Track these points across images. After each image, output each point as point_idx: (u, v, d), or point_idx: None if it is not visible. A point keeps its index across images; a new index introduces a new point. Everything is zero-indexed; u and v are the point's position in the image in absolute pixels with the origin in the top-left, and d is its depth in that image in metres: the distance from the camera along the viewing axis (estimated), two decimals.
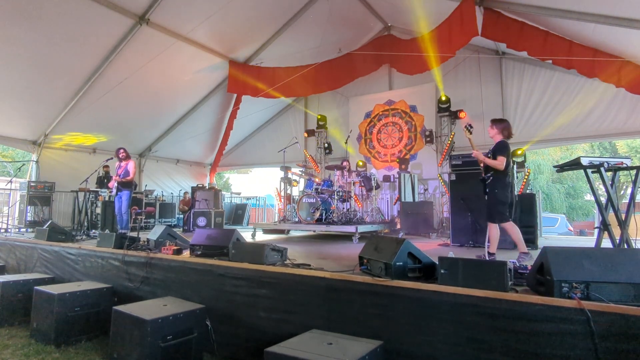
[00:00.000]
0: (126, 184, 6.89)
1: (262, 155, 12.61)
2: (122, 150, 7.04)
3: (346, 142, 9.36)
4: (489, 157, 4.11)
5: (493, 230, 4.11)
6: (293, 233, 8.37)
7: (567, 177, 20.70)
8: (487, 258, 3.89)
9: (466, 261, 2.68)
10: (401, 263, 2.86)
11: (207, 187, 10.53)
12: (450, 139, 8.87)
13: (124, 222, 6.88)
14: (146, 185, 11.23)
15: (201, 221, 8.77)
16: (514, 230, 4.07)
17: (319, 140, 11.28)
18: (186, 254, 4.24)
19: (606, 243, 3.73)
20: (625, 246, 3.48)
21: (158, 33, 7.54)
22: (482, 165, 4.24)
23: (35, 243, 5.67)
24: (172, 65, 8.59)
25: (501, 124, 4.23)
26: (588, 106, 7.80)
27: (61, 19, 6.53)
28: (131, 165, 6.95)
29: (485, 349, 2.44)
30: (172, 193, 12.04)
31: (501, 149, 4.05)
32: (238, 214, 12.57)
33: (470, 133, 4.38)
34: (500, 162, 3.98)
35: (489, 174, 4.10)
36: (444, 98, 9.03)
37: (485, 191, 4.15)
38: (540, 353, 2.28)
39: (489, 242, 4.16)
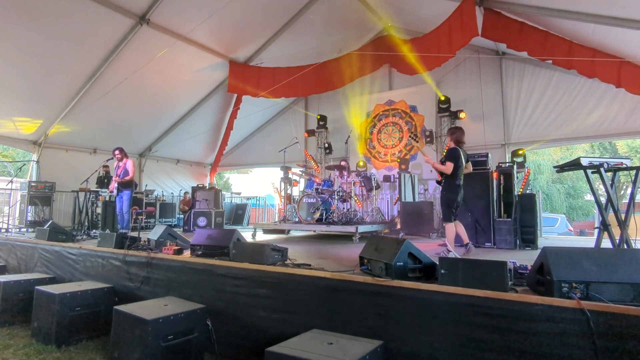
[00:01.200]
0: (126, 184, 6.86)
1: (263, 155, 12.63)
2: (117, 151, 6.97)
3: (346, 142, 9.36)
4: (442, 163, 4.51)
5: (449, 229, 4.49)
6: (293, 233, 8.38)
7: (567, 177, 20.70)
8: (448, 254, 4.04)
9: (466, 261, 2.69)
10: (402, 263, 2.87)
11: (207, 187, 10.54)
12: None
13: (125, 222, 6.86)
14: (146, 185, 11.24)
15: (201, 221, 8.78)
16: (450, 231, 4.49)
17: (319, 140, 11.28)
18: (187, 254, 4.25)
19: (606, 243, 3.74)
20: (625, 246, 3.49)
21: (158, 33, 7.56)
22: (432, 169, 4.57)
23: (36, 243, 5.68)
24: (173, 65, 8.60)
25: (453, 133, 4.70)
26: (588, 106, 7.81)
27: (62, 19, 6.55)
28: (129, 165, 6.89)
29: (485, 349, 2.45)
30: (172, 193, 12.05)
31: (449, 156, 4.47)
32: (238, 214, 12.58)
33: (417, 142, 4.95)
34: (447, 168, 4.42)
35: (442, 178, 4.52)
36: (442, 98, 9.05)
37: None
38: (540, 353, 2.29)
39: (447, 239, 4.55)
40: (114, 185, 6.85)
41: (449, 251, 4.15)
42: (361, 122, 10.76)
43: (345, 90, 10.61)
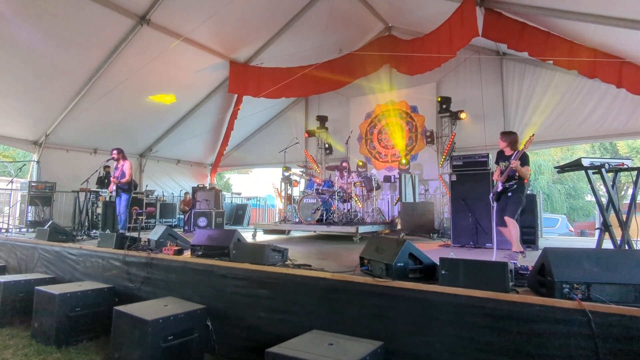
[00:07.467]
0: (123, 186, 6.82)
1: (263, 155, 12.62)
2: (115, 151, 6.93)
3: (347, 143, 9.37)
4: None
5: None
6: (294, 233, 8.37)
7: (567, 178, 20.67)
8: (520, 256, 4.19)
9: (467, 262, 2.68)
10: (402, 264, 2.86)
11: (207, 188, 10.55)
12: (451, 140, 8.87)
13: (121, 223, 6.87)
14: (147, 186, 11.23)
15: (202, 221, 8.78)
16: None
17: (320, 141, 11.28)
18: (187, 254, 4.25)
19: (607, 244, 3.73)
20: (626, 247, 3.48)
21: (159, 33, 7.55)
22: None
23: (36, 243, 5.68)
24: (173, 65, 8.59)
25: (510, 135, 5.02)
26: (589, 107, 7.78)
27: (62, 19, 6.54)
28: (127, 166, 6.83)
29: (486, 350, 2.44)
30: (172, 193, 12.04)
31: (527, 160, 4.61)
32: (239, 214, 12.57)
33: None
34: (528, 172, 4.60)
35: (514, 181, 4.60)
36: (439, 99, 9.06)
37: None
38: (541, 354, 2.28)
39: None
40: (112, 187, 6.85)
41: (521, 252, 4.23)
42: (361, 122, 10.75)
43: (346, 90, 10.60)
